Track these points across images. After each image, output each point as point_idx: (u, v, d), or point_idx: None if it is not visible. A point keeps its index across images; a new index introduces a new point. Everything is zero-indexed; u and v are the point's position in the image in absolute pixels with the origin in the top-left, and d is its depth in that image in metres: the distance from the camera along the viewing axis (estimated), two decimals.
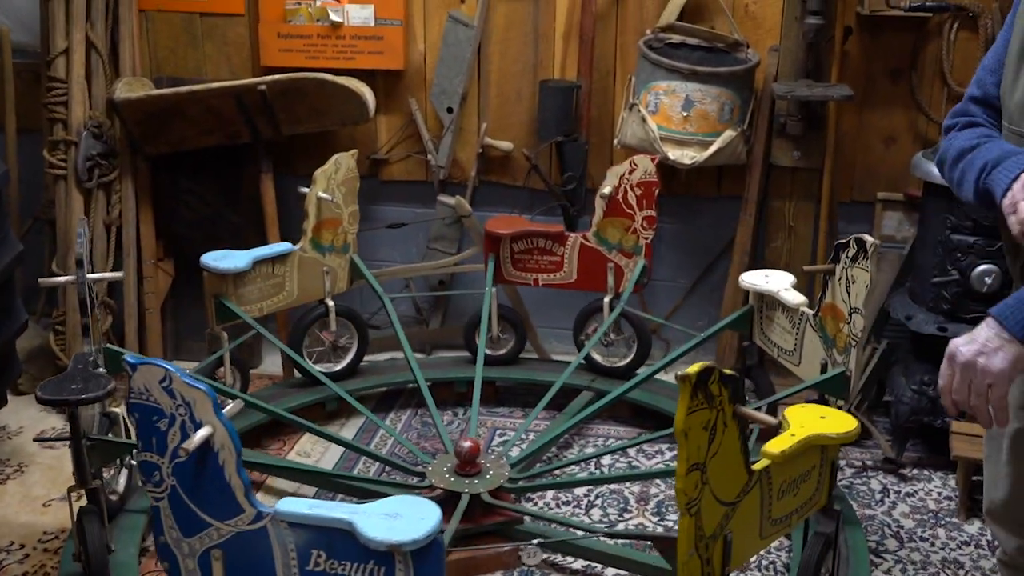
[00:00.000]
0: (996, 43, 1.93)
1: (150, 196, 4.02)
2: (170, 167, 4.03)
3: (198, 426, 1.98)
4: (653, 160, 3.56)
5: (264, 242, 3.80)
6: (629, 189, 3.57)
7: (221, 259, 3.37)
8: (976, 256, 3.26)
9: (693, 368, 1.84)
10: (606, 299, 3.69)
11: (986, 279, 3.24)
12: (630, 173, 3.57)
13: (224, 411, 2.01)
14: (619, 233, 3.63)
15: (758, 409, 3.08)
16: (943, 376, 1.71)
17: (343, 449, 3.56)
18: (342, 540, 1.99)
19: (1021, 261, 1.87)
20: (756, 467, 2.09)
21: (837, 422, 2.28)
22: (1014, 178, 1.70)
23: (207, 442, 1.99)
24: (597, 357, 3.78)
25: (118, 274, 3.31)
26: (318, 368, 3.72)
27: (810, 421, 2.26)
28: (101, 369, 2.88)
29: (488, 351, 3.85)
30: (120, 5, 3.91)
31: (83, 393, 2.58)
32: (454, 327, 4.31)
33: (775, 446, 2.13)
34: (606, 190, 3.59)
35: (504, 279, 3.81)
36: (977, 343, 1.65)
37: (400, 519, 1.98)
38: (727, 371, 1.92)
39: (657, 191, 3.56)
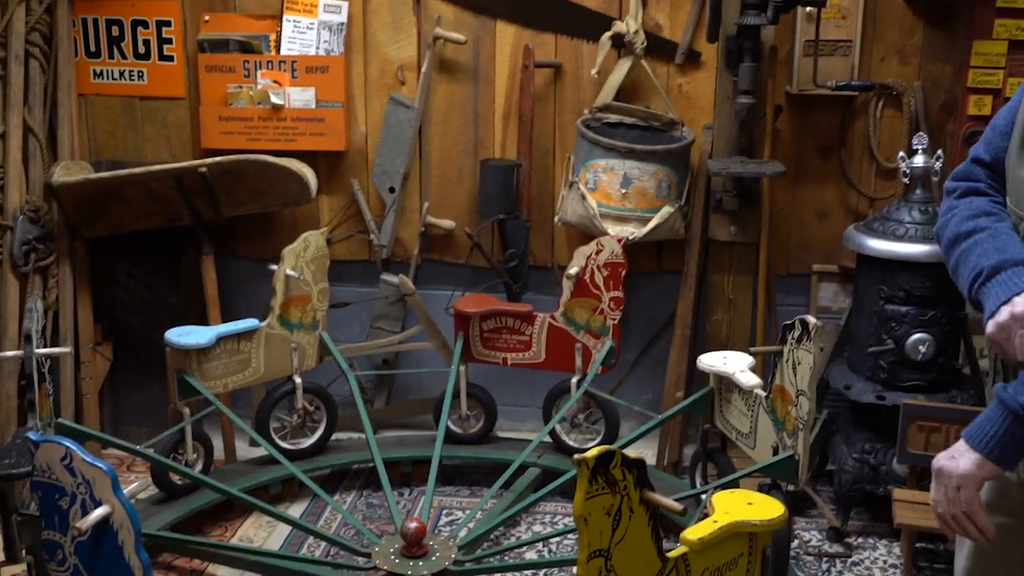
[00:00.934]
0: (1010, 102, 1.87)
1: (88, 280, 3.97)
2: (109, 250, 4.00)
3: (98, 505, 1.97)
4: (620, 241, 3.60)
5: (204, 325, 3.77)
6: (596, 270, 3.60)
7: (185, 335, 3.39)
8: (910, 325, 3.33)
9: (591, 452, 1.81)
10: (573, 379, 3.69)
11: (920, 347, 3.32)
12: (597, 254, 3.60)
13: (126, 491, 2.01)
14: (587, 314, 3.65)
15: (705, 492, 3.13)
16: (931, 492, 1.75)
17: (285, 535, 3.50)
18: None
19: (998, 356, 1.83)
20: (672, 554, 2.03)
21: (763, 508, 2.23)
22: (1003, 302, 1.67)
23: (106, 521, 1.98)
24: (566, 439, 3.77)
25: (66, 349, 3.30)
26: (284, 444, 3.73)
27: (736, 507, 2.18)
28: None
29: (457, 430, 3.84)
30: (59, 89, 3.91)
31: (13, 468, 2.55)
32: (399, 406, 4.29)
33: (694, 532, 2.07)
34: (573, 271, 3.62)
35: (473, 358, 3.80)
36: (949, 451, 1.70)
37: None
38: (631, 455, 1.88)
39: (624, 272, 3.60)
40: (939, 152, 3.46)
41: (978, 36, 3.73)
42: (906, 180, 3.49)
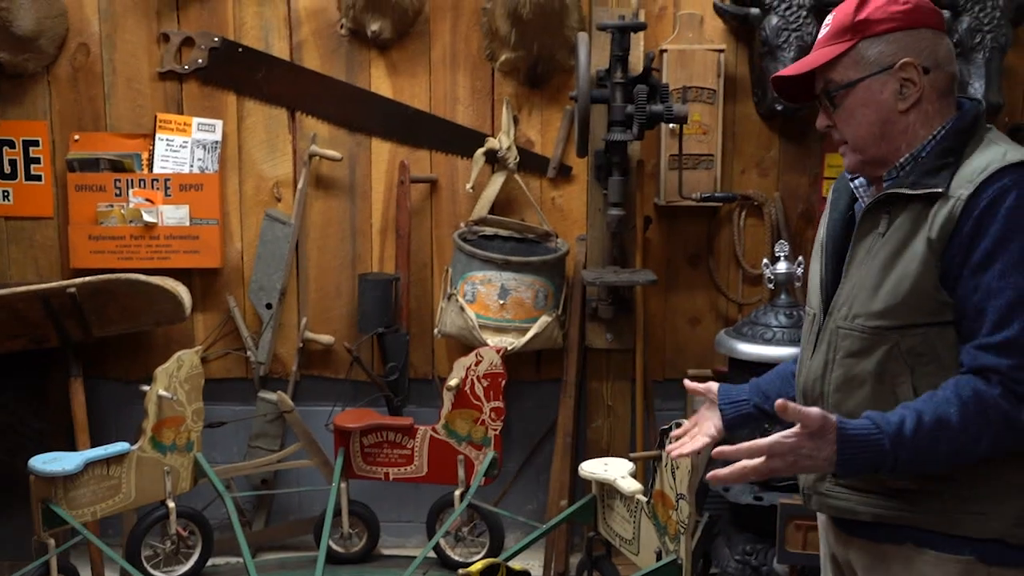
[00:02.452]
0: None
1: None
2: None
3: None
4: (499, 352, 3.62)
5: (72, 450, 3.62)
6: (476, 380, 3.61)
7: (50, 462, 3.24)
8: (782, 426, 3.42)
9: (476, 566, 1.81)
10: (457, 492, 3.66)
11: None
12: (476, 364, 3.61)
13: None
14: (468, 425, 3.64)
15: None
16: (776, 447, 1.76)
17: None
18: None
19: None
20: None
21: None
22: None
23: None
24: (451, 553, 3.71)
25: None
26: (157, 573, 3.58)
27: None
28: None
29: (340, 549, 3.74)
30: None
31: None
32: (278, 527, 4.17)
33: None
34: (453, 382, 3.61)
35: (355, 474, 3.74)
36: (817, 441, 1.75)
37: None
38: (517, 567, 1.89)
39: (504, 382, 3.61)
40: (800, 259, 3.63)
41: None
42: (771, 286, 3.64)
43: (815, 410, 1.71)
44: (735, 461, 1.73)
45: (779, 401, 1.71)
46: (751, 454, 1.72)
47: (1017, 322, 1.71)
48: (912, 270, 1.78)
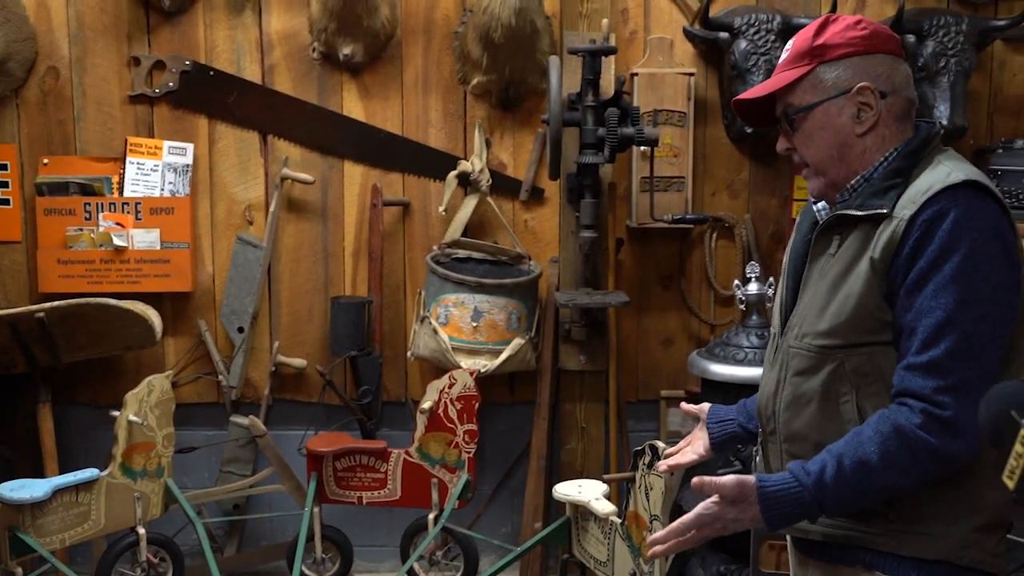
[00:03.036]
0: None
1: None
2: None
3: None
4: (472, 374, 3.61)
5: (40, 477, 3.58)
6: (449, 403, 3.59)
7: (17, 489, 3.20)
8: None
9: None
10: (431, 515, 3.64)
11: None
12: (450, 387, 3.59)
13: None
14: (442, 448, 3.63)
15: None
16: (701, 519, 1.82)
17: None
18: None
19: None
20: None
21: None
22: None
23: None
24: None
25: None
26: None
27: None
28: None
29: (312, 574, 3.71)
30: None
31: None
32: (251, 552, 4.14)
33: None
34: (427, 405, 3.60)
35: (328, 498, 3.71)
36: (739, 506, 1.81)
37: None
38: None
39: (478, 404, 3.61)
40: (771, 279, 3.66)
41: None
42: (742, 307, 3.66)
43: (730, 478, 1.76)
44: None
45: (695, 480, 1.77)
46: (680, 533, 1.81)
47: (944, 342, 1.72)
48: (856, 290, 1.81)
